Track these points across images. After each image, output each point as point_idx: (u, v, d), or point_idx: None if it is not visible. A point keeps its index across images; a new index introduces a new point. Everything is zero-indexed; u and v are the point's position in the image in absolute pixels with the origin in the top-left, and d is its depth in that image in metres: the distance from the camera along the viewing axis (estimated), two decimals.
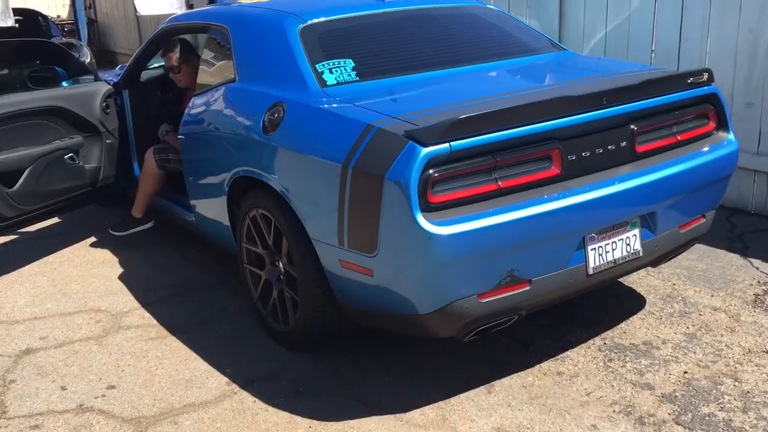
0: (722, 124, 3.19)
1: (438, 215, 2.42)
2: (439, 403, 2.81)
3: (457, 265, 2.46)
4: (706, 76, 3.03)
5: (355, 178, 2.56)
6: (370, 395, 2.89)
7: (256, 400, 2.90)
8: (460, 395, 2.85)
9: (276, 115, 3.01)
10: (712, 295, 3.55)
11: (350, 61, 3.16)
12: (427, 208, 2.41)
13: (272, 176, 3.01)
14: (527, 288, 2.64)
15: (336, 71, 3.10)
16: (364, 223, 2.56)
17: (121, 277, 4.15)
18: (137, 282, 4.07)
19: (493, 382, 2.92)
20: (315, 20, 3.36)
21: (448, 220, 2.43)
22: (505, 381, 2.93)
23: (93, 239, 4.77)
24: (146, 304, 3.78)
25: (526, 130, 2.56)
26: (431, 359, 3.11)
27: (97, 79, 4.63)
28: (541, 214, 2.56)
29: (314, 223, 2.83)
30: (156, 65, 5.09)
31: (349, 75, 3.11)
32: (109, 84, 4.57)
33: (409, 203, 2.38)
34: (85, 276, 4.20)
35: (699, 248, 4.01)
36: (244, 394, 2.94)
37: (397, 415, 2.75)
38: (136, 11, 6.54)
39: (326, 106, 2.88)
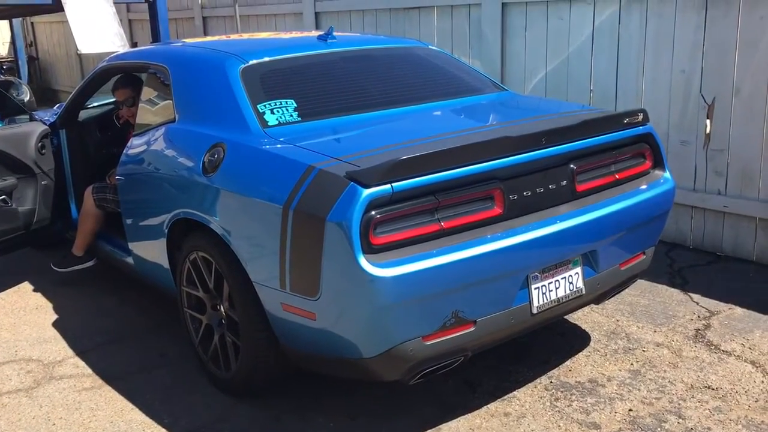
0: (658, 163, 3.26)
1: (380, 257, 2.39)
2: None
3: (400, 307, 2.43)
4: (641, 116, 3.10)
5: (296, 220, 2.52)
6: None
7: None
8: None
9: (216, 156, 2.95)
10: (655, 331, 3.59)
11: (292, 101, 3.14)
12: (369, 249, 2.38)
13: (212, 218, 2.94)
14: (472, 329, 2.61)
15: (277, 112, 3.07)
16: (306, 266, 2.51)
17: (55, 324, 3.98)
18: (72, 328, 3.91)
19: (440, 425, 2.87)
20: (256, 60, 3.34)
21: (390, 261, 2.39)
22: (452, 424, 2.89)
23: (26, 284, 4.58)
24: (81, 352, 3.63)
25: (468, 171, 2.56)
26: (377, 403, 3.04)
27: (32, 118, 4.50)
28: (484, 254, 2.55)
29: (255, 266, 2.76)
30: (95, 104, 4.99)
31: (291, 115, 3.08)
32: (45, 124, 4.44)
33: (351, 245, 2.34)
34: (16, 323, 4.01)
35: (640, 284, 4.07)
36: None
37: None
38: (77, 49, 6.41)
39: (267, 147, 2.84)
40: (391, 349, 2.48)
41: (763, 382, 3.10)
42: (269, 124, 3.01)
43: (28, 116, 4.54)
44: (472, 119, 3.45)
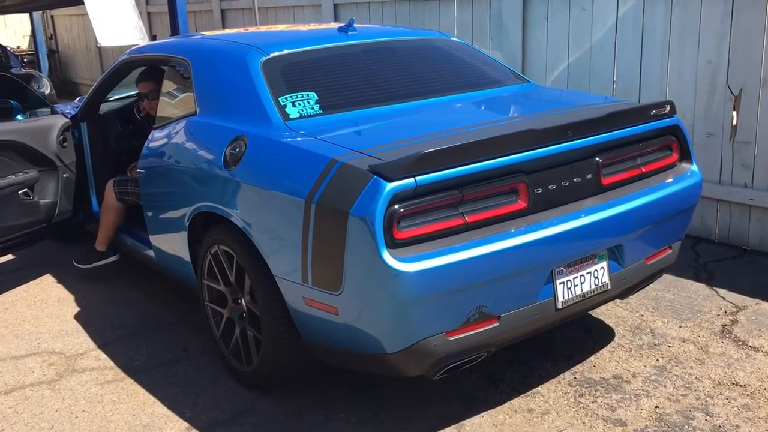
0: (685, 155, 3.20)
1: (404, 251, 2.36)
2: None
3: (424, 302, 2.40)
4: (668, 108, 3.04)
5: (318, 214, 2.50)
6: None
7: None
8: None
9: (237, 150, 2.94)
10: (680, 326, 3.54)
11: (313, 94, 3.11)
12: (393, 244, 2.35)
13: (234, 212, 2.93)
14: (496, 324, 2.58)
15: (299, 104, 3.05)
16: (329, 260, 2.49)
17: (77, 317, 4.00)
18: (94, 321, 3.92)
19: (463, 421, 2.85)
20: (277, 53, 3.31)
21: (414, 256, 2.36)
22: (476, 419, 2.86)
23: (49, 277, 4.61)
24: (103, 345, 3.64)
25: (492, 164, 2.52)
26: (400, 398, 3.02)
27: (53, 112, 4.51)
28: (508, 248, 2.51)
29: (277, 259, 2.75)
30: (116, 97, 5.00)
31: (312, 108, 3.05)
32: (67, 117, 4.46)
33: (374, 240, 2.31)
34: (39, 316, 4.04)
35: (666, 278, 4.01)
36: None
37: None
38: (97, 42, 6.43)
39: (289, 140, 2.82)
40: (414, 344, 2.46)
41: None
42: (291, 117, 2.99)
43: (49, 109, 4.55)
44: (495, 112, 3.41)
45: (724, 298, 3.83)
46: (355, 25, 3.72)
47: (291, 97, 3.07)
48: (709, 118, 4.56)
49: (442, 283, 2.40)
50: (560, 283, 2.72)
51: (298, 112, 3.02)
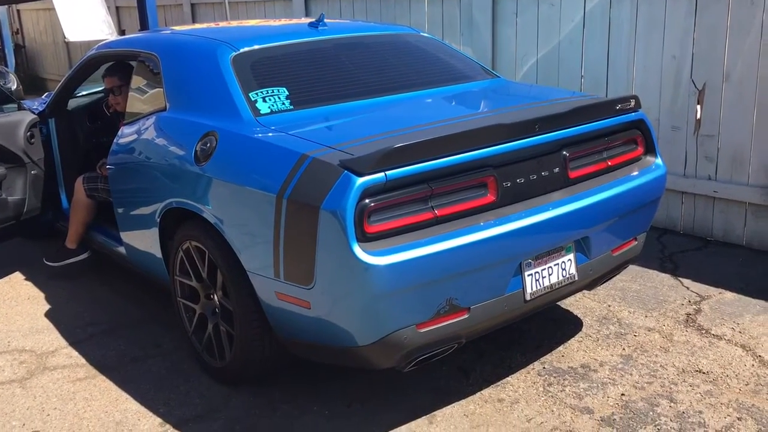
0: (650, 149, 3.27)
1: (375, 245, 2.39)
2: None
3: (395, 295, 2.43)
4: (633, 102, 3.11)
5: (290, 209, 2.52)
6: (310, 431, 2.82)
7: None
8: (401, 427, 2.81)
9: (208, 145, 2.94)
10: (646, 316, 3.62)
11: (284, 89, 3.13)
12: (364, 238, 2.38)
13: (205, 207, 2.94)
14: (466, 316, 2.63)
15: (269, 100, 3.06)
16: (300, 255, 2.51)
17: (48, 314, 3.97)
18: (65, 319, 3.90)
19: (435, 412, 2.89)
20: (247, 48, 3.32)
21: (384, 250, 2.40)
22: (447, 410, 2.90)
23: (18, 275, 4.56)
24: (75, 343, 3.62)
25: (461, 158, 2.56)
26: (371, 390, 3.06)
27: (21, 108, 4.46)
28: (478, 241, 2.56)
29: (249, 255, 2.76)
30: (84, 93, 4.95)
31: (283, 104, 3.07)
32: (34, 113, 4.41)
33: (345, 233, 2.34)
34: (8, 314, 4.00)
35: (632, 269, 4.09)
36: None
37: None
38: (64, 37, 6.35)
39: (260, 135, 2.83)
40: (385, 336, 2.49)
41: (753, 365, 3.13)
42: (261, 112, 3.00)
43: (16, 105, 4.49)
44: (464, 106, 3.45)
45: (688, 288, 3.92)
46: (325, 20, 3.73)
47: (261, 92, 3.08)
48: (674, 111, 4.65)
49: (413, 276, 2.44)
50: (528, 275, 2.78)
51: (269, 107, 3.03)
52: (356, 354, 2.58)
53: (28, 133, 4.29)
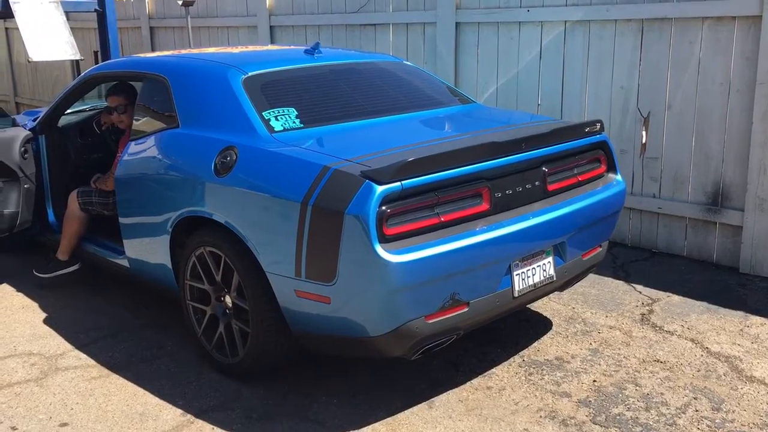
0: (612, 167, 3.75)
1: (392, 245, 2.74)
2: (387, 419, 3.08)
3: (409, 289, 2.78)
4: (599, 126, 3.58)
5: (314, 215, 2.83)
6: (322, 417, 3.11)
7: (215, 427, 3.04)
8: (405, 411, 3.14)
9: (228, 159, 3.23)
10: (607, 316, 4.06)
11: (293, 109, 3.45)
12: (383, 239, 2.72)
13: (224, 215, 3.21)
14: (466, 309, 2.99)
15: (281, 118, 3.38)
16: (324, 255, 2.82)
17: (46, 322, 4.12)
18: (65, 325, 4.06)
19: (433, 399, 3.23)
20: (255, 72, 3.63)
21: (401, 249, 2.75)
22: (443, 397, 3.25)
23: (6, 286, 4.67)
24: (81, 346, 3.80)
25: (463, 171, 2.94)
26: (372, 382, 3.37)
27: (14, 124, 4.62)
28: (476, 243, 2.94)
29: (270, 256, 3.05)
30: (70, 111, 5.12)
31: (294, 122, 3.39)
32: (26, 129, 4.57)
33: (368, 235, 2.68)
34: (6, 322, 4.13)
35: (590, 277, 4.54)
36: (201, 422, 3.07)
37: None
38: (28, 58, 6.50)
39: (279, 150, 3.15)
40: (399, 327, 2.83)
41: (702, 355, 3.60)
42: (276, 129, 3.31)
43: (10, 121, 4.64)
44: (456, 127, 3.84)
45: (640, 293, 4.40)
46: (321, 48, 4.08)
47: (273, 111, 3.40)
48: (622, 136, 5.18)
49: (425, 272, 2.79)
50: (516, 275, 3.17)
51: (282, 125, 3.35)
52: (370, 344, 2.90)
53: (22, 149, 4.45)
